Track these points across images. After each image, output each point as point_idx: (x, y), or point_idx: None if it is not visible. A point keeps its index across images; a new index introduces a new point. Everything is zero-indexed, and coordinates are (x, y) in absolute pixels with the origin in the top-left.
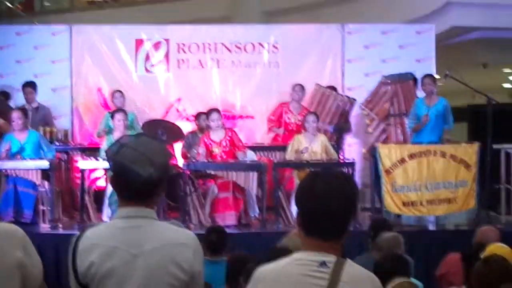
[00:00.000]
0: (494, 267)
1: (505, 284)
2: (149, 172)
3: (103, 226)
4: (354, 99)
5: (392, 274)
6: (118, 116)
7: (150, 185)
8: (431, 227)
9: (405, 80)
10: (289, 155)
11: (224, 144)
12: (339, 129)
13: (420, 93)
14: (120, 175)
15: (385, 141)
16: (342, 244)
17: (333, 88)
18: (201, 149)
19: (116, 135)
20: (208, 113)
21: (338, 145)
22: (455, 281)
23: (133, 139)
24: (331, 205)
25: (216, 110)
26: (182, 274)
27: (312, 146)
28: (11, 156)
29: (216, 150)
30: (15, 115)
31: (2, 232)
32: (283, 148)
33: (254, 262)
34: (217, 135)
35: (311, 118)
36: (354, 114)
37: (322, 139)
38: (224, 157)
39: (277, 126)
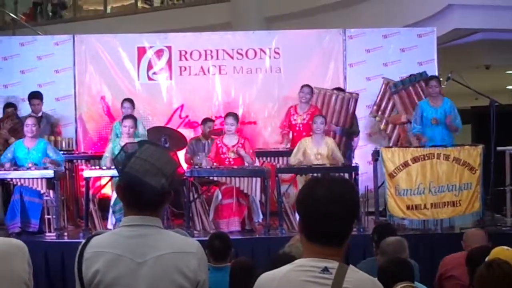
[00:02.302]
0: (496, 271)
1: None
2: (161, 183)
3: (108, 234)
4: (357, 94)
5: (397, 278)
6: (126, 123)
7: (161, 196)
8: (436, 231)
9: (414, 83)
10: (294, 159)
11: (235, 150)
12: (348, 132)
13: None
14: (132, 188)
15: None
16: (344, 250)
17: (339, 89)
18: (205, 160)
19: (122, 142)
20: (225, 117)
21: (349, 149)
22: (459, 278)
23: (138, 147)
24: (332, 211)
25: (233, 114)
26: (187, 283)
27: (318, 149)
28: (17, 161)
29: (232, 155)
30: (30, 122)
31: (14, 247)
32: (286, 153)
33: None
34: (230, 140)
35: (319, 120)
36: (363, 116)
37: (329, 142)
38: (233, 163)
39: (288, 132)
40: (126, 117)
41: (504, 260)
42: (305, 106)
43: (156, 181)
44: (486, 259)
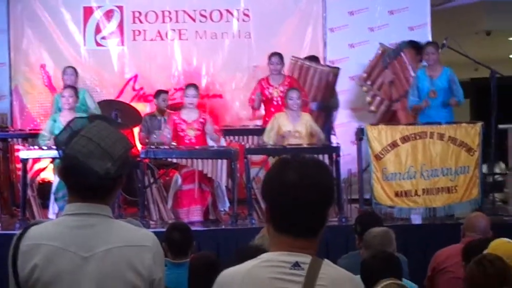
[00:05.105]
0: (488, 270)
1: None
2: (105, 168)
3: (49, 224)
4: (338, 68)
5: (382, 275)
6: (65, 93)
7: (106, 182)
8: (428, 221)
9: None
10: (268, 137)
11: (195, 126)
12: (326, 106)
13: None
14: (71, 171)
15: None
16: (318, 242)
17: (314, 58)
18: (167, 131)
19: (63, 115)
20: (185, 88)
21: (328, 125)
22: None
23: (86, 124)
24: (303, 198)
25: (194, 85)
26: (140, 281)
27: (295, 126)
28: None
29: (191, 133)
30: None
31: None
32: (257, 132)
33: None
34: (189, 115)
35: (294, 94)
36: (347, 89)
37: (306, 118)
38: (194, 141)
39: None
40: (65, 87)
41: (497, 256)
42: (278, 77)
43: (100, 165)
44: (484, 252)
